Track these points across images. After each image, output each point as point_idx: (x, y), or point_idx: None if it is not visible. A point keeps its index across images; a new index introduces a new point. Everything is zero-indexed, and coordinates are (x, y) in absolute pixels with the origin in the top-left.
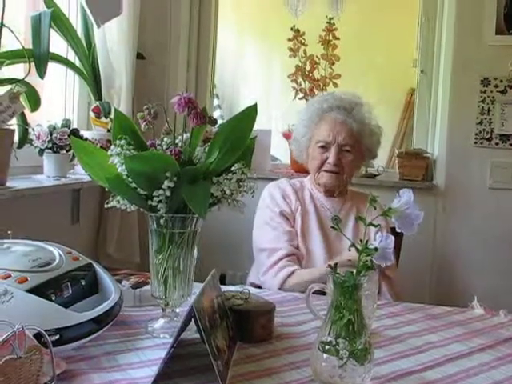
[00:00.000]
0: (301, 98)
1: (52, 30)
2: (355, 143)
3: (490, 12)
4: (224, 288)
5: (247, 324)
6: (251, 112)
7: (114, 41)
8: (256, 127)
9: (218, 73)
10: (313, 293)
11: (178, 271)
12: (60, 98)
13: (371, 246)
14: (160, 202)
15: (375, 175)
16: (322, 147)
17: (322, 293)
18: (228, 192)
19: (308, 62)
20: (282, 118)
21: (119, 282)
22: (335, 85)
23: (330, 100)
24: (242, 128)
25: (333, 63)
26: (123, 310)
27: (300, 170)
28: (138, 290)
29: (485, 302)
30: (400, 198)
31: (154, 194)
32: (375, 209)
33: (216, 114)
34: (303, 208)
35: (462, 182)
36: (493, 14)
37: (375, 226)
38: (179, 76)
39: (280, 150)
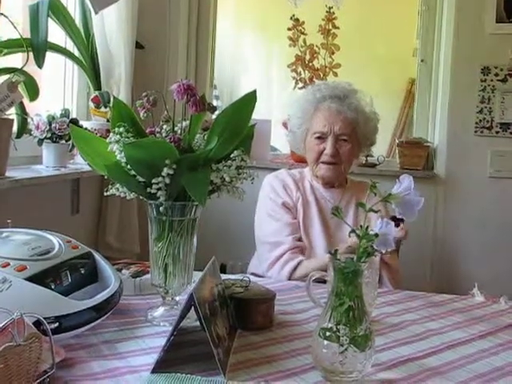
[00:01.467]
0: (301, 88)
1: (50, 20)
2: (351, 132)
3: (491, 0)
4: (224, 276)
5: (247, 312)
6: (250, 99)
7: (112, 30)
8: (256, 117)
9: (217, 63)
10: (313, 281)
11: (177, 259)
12: (59, 88)
13: (372, 233)
14: (159, 189)
15: (375, 165)
16: (319, 138)
17: (322, 281)
18: (228, 179)
19: (308, 52)
20: (282, 108)
21: (119, 270)
22: (335, 74)
23: (323, 89)
24: (241, 115)
25: (333, 52)
26: (123, 299)
27: (300, 160)
28: (138, 278)
29: (486, 289)
30: (400, 183)
31: (154, 181)
32: (375, 195)
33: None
34: (304, 199)
35: (462, 170)
36: (493, 2)
37: (375, 211)
38: (179, 65)
39: (281, 141)
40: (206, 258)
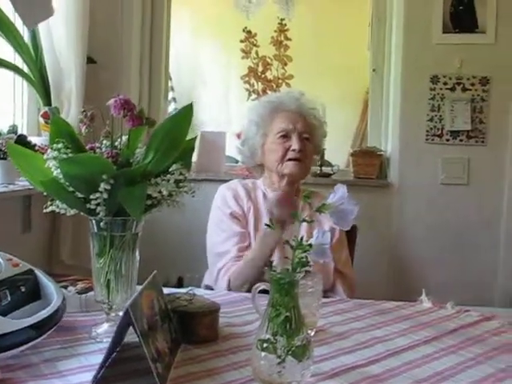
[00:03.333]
0: (254, 99)
1: None
2: (311, 133)
3: (437, 11)
4: (170, 290)
5: (191, 325)
6: (187, 112)
7: (62, 45)
8: (215, 129)
9: (176, 76)
10: (261, 292)
11: (120, 274)
12: (9, 104)
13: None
14: (98, 204)
15: (330, 174)
16: (283, 136)
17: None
18: (165, 193)
19: (260, 63)
20: (240, 119)
21: (65, 287)
22: (288, 85)
23: (279, 95)
24: (178, 128)
25: (285, 64)
26: (68, 316)
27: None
28: (83, 295)
29: (439, 294)
30: (335, 193)
31: (91, 196)
32: (310, 205)
33: (171, 108)
34: (255, 207)
35: (414, 178)
36: (439, 13)
37: (309, 222)
38: (132, 79)
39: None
40: (164, 272)
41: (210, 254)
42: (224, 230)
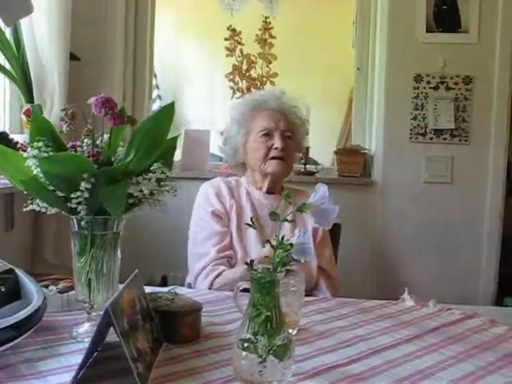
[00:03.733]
0: (238, 97)
1: None
2: (293, 131)
3: (421, 10)
4: (153, 289)
5: (173, 325)
6: (168, 110)
7: (44, 41)
8: (200, 127)
9: (161, 73)
10: (243, 291)
11: (101, 274)
12: None
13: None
14: (79, 203)
15: (314, 172)
16: (266, 135)
17: None
18: (147, 192)
19: (245, 61)
20: (223, 117)
21: (46, 287)
22: (272, 83)
23: (261, 94)
24: (159, 127)
25: (270, 62)
26: (49, 316)
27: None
28: (65, 294)
29: (422, 292)
30: (316, 193)
31: (72, 195)
32: (290, 204)
33: (156, 105)
34: (238, 205)
35: (398, 176)
36: (423, 12)
37: (290, 221)
38: (116, 77)
39: None
40: (148, 271)
41: (190, 252)
42: (205, 229)
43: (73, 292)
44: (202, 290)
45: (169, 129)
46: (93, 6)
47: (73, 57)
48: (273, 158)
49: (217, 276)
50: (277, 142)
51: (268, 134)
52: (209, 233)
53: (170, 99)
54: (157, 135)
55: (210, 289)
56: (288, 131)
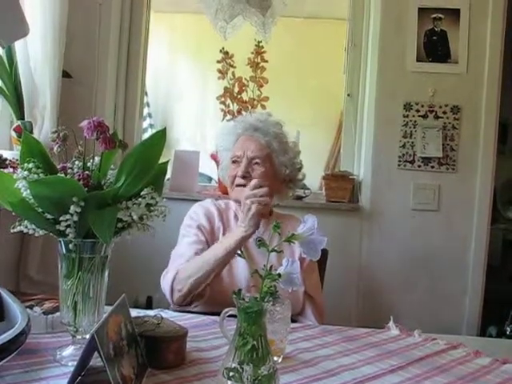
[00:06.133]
0: (229, 120)
1: None
2: (265, 156)
3: (412, 40)
4: (139, 312)
5: (158, 350)
6: (160, 137)
7: (37, 59)
8: (190, 147)
9: (152, 92)
10: (229, 316)
11: (87, 297)
12: None
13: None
14: (68, 226)
15: (302, 197)
16: (234, 162)
17: None
18: (135, 217)
19: (236, 84)
20: (213, 139)
21: (31, 307)
22: (263, 107)
23: (243, 121)
24: (150, 153)
25: (261, 85)
26: (33, 338)
27: (227, 191)
28: (50, 316)
29: (407, 320)
30: (305, 223)
31: (61, 218)
32: (279, 234)
33: (146, 123)
34: (226, 229)
35: (386, 203)
36: (414, 42)
37: (277, 251)
38: (107, 96)
39: (213, 171)
40: (134, 292)
41: (171, 254)
42: (187, 236)
43: (58, 313)
44: (187, 314)
45: (160, 155)
46: (86, 24)
47: (65, 74)
48: (237, 185)
49: (178, 272)
50: (239, 169)
51: (236, 162)
52: (190, 240)
53: (160, 117)
54: (148, 161)
55: (174, 278)
56: (257, 157)
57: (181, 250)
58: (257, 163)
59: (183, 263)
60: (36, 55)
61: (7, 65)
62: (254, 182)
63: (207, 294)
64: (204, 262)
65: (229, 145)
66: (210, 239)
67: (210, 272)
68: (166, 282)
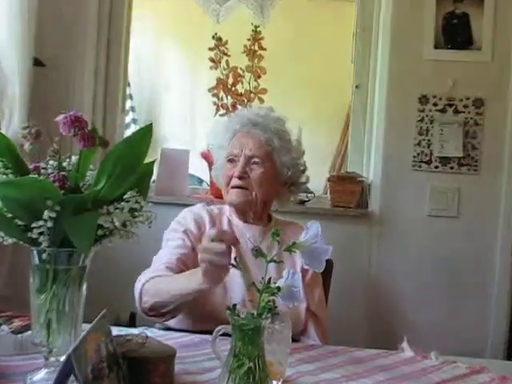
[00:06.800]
0: (222, 115)
1: None
2: (265, 155)
3: (428, 25)
4: (121, 331)
5: (143, 373)
6: (145, 133)
7: (4, 46)
8: (177, 145)
9: (136, 83)
10: (223, 335)
11: (62, 314)
12: None
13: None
14: (41, 234)
15: (304, 201)
16: (230, 161)
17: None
18: (118, 224)
19: (231, 75)
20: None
21: None
22: (261, 100)
23: (241, 115)
24: (134, 151)
25: (259, 76)
26: (1, 361)
27: (220, 195)
28: (19, 335)
29: (422, 339)
30: (307, 231)
31: (34, 225)
32: (279, 243)
33: (129, 118)
34: None
35: (398, 208)
36: (431, 26)
37: (277, 262)
38: (85, 86)
39: (203, 172)
40: (115, 307)
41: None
42: (172, 240)
43: (29, 333)
44: (175, 333)
45: (145, 154)
46: (61, 4)
47: (37, 62)
48: (232, 187)
49: (151, 278)
50: (236, 169)
51: (233, 161)
52: (178, 244)
53: (144, 111)
54: (131, 160)
55: (143, 284)
56: (255, 156)
57: (162, 254)
58: (255, 163)
59: (161, 268)
60: (2, 42)
61: None
62: (212, 231)
63: (184, 311)
64: (168, 289)
65: (224, 142)
66: (196, 246)
67: (169, 302)
68: (136, 286)
